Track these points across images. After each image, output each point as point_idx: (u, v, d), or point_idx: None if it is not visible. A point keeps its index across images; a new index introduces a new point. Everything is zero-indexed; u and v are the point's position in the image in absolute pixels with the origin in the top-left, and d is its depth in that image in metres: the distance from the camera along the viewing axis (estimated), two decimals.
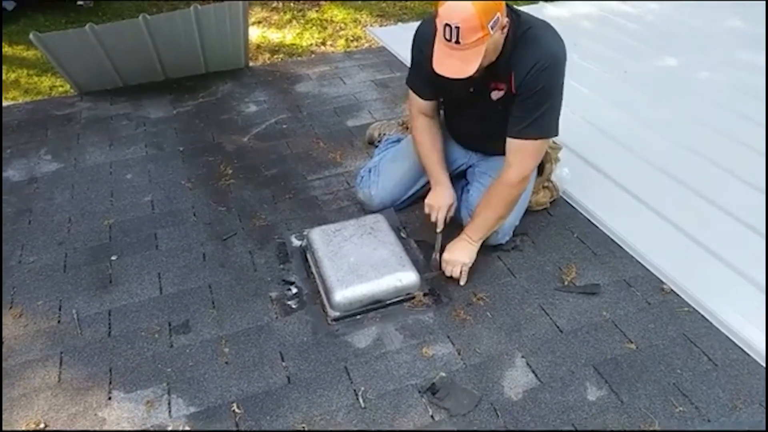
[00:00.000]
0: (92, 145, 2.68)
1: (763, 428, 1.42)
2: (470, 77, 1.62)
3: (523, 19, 1.65)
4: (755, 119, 2.65)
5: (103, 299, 1.83)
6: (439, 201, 1.92)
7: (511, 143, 1.75)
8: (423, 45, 1.73)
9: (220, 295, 1.83)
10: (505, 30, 1.59)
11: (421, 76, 1.85)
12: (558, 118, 1.73)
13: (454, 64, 1.54)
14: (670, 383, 1.53)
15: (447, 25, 1.49)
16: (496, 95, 1.75)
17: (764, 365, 1.57)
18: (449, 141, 2.08)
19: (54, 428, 1.46)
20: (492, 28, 1.50)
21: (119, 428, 1.46)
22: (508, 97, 1.72)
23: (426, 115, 1.95)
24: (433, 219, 1.93)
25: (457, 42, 1.49)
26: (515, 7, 1.66)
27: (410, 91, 1.95)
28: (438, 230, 1.92)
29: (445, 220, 1.93)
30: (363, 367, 1.60)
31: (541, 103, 1.67)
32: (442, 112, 2.05)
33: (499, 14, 1.51)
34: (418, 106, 1.94)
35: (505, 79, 1.69)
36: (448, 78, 1.60)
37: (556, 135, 1.75)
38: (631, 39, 3.60)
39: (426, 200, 1.96)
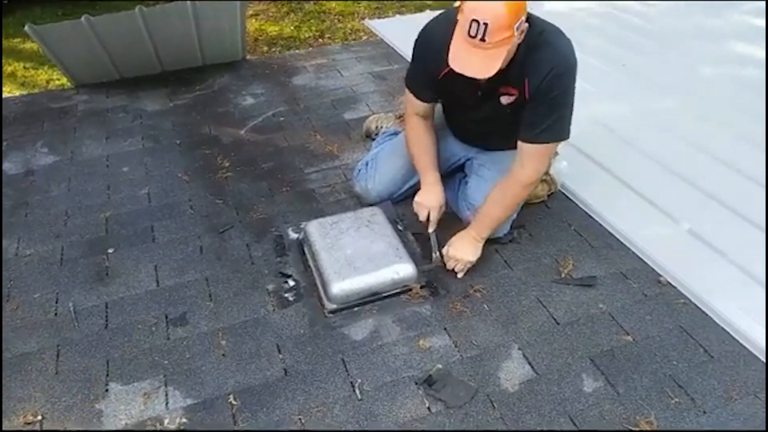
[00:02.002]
0: (89, 137, 2.67)
1: (759, 419, 1.42)
2: (479, 81, 1.59)
3: (534, 23, 1.61)
4: (754, 113, 2.64)
5: (100, 292, 1.83)
6: (429, 201, 1.90)
7: (525, 147, 1.73)
8: (428, 46, 1.70)
9: (217, 288, 1.83)
10: (523, 34, 1.56)
11: (422, 77, 1.83)
12: (570, 122, 1.72)
13: (476, 62, 1.50)
14: (666, 375, 1.53)
15: (474, 20, 1.44)
16: (506, 100, 1.73)
17: (759, 356, 1.57)
18: (448, 136, 2.07)
19: (50, 420, 1.46)
20: (517, 30, 1.48)
21: (116, 420, 1.46)
22: (520, 102, 1.70)
23: (421, 116, 1.93)
24: (422, 218, 1.92)
25: (483, 39, 1.45)
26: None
27: (407, 91, 1.91)
28: (430, 230, 1.92)
29: (436, 220, 1.93)
30: (360, 359, 1.60)
31: (555, 109, 1.66)
32: (440, 107, 2.04)
33: (523, 17, 1.49)
34: (414, 106, 1.91)
35: (517, 84, 1.67)
36: (456, 79, 1.57)
37: (568, 137, 1.74)
38: (631, 33, 3.58)
39: (415, 199, 1.94)
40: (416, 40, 1.80)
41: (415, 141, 1.96)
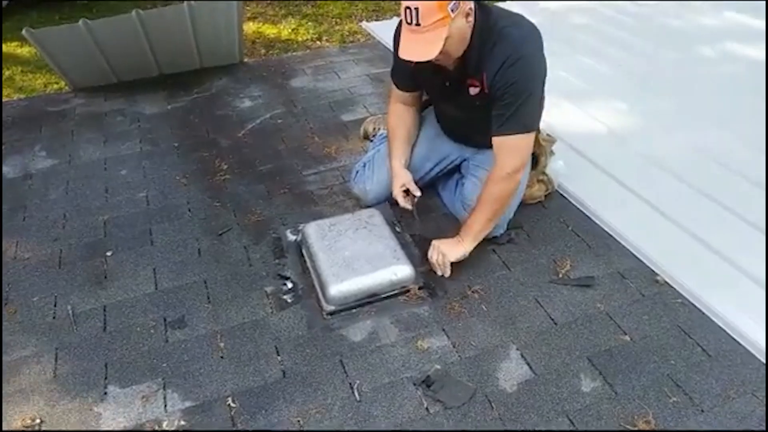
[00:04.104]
0: (87, 141, 2.67)
1: (757, 418, 1.42)
2: (443, 70, 1.64)
3: (494, 16, 1.66)
4: (753, 113, 2.65)
5: (99, 295, 1.83)
6: (398, 181, 1.96)
7: (495, 140, 1.76)
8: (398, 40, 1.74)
9: (215, 290, 1.83)
10: (470, 19, 1.61)
11: (400, 68, 1.91)
12: (536, 111, 1.76)
13: (416, 47, 1.57)
14: (664, 374, 1.54)
15: (407, 8, 1.53)
16: (473, 91, 1.77)
17: (756, 355, 1.57)
18: (441, 136, 2.09)
19: (49, 423, 1.46)
20: (453, 11, 1.52)
21: (115, 423, 1.46)
22: (484, 95, 1.73)
23: (403, 103, 2.01)
24: (402, 202, 1.96)
25: (418, 24, 1.52)
26: (486, 3, 1.68)
27: (391, 81, 2.02)
28: (409, 207, 1.97)
29: (413, 198, 1.96)
30: (358, 361, 1.60)
31: (516, 98, 1.68)
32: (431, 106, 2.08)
33: None
34: (396, 96, 2.01)
35: (478, 77, 1.71)
36: (423, 69, 1.62)
37: (536, 128, 1.78)
38: (627, 33, 3.59)
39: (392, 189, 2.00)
40: (394, 32, 1.85)
41: (392, 129, 2.03)
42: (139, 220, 2.15)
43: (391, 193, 2.11)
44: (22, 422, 1.46)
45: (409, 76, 1.91)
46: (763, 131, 2.46)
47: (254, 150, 2.55)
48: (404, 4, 1.54)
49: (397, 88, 1.99)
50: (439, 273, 1.82)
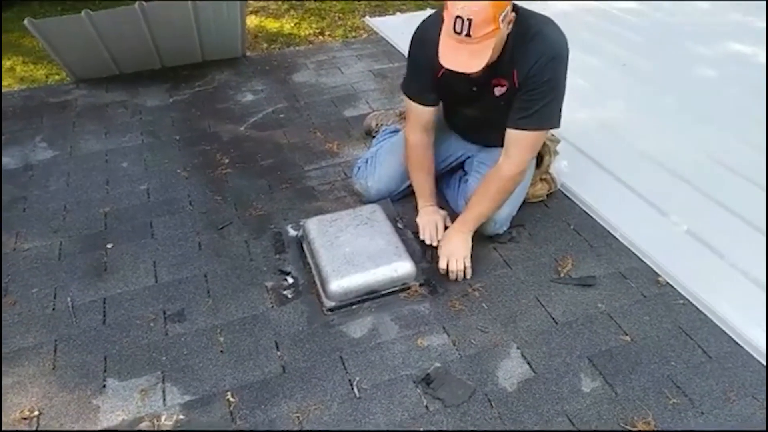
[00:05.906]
0: (88, 132, 2.66)
1: (757, 420, 1.42)
2: (473, 76, 1.60)
3: (523, 14, 1.64)
4: (754, 114, 2.64)
5: (98, 287, 1.82)
6: (429, 221, 1.93)
7: (511, 134, 1.74)
8: (425, 45, 1.68)
9: (215, 284, 1.83)
10: (510, 25, 1.58)
11: (422, 80, 1.82)
12: (560, 110, 1.73)
13: (463, 58, 1.52)
14: (664, 375, 1.53)
15: (458, 17, 1.47)
16: (499, 91, 1.74)
17: (757, 357, 1.57)
18: (448, 134, 2.07)
19: (48, 415, 1.46)
20: (502, 22, 1.50)
21: (113, 416, 1.46)
22: (512, 92, 1.71)
23: (424, 130, 1.91)
24: (428, 240, 1.91)
25: (468, 35, 1.48)
26: (517, 4, 1.65)
27: (408, 102, 1.89)
28: (434, 244, 1.91)
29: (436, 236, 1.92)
30: (358, 357, 1.59)
31: (544, 96, 1.67)
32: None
33: (508, 8, 1.51)
34: (417, 117, 1.89)
35: (507, 75, 1.68)
36: (452, 76, 1.59)
37: (558, 126, 1.75)
38: (631, 32, 3.58)
39: (417, 220, 1.97)
40: (411, 44, 1.81)
41: (415, 163, 1.97)
42: (139, 213, 2.14)
43: (392, 190, 2.12)
44: (20, 413, 1.46)
45: (430, 87, 1.82)
46: (764, 132, 2.45)
47: (256, 144, 2.55)
48: (455, 12, 1.46)
49: (421, 104, 1.86)
50: (461, 279, 1.81)
